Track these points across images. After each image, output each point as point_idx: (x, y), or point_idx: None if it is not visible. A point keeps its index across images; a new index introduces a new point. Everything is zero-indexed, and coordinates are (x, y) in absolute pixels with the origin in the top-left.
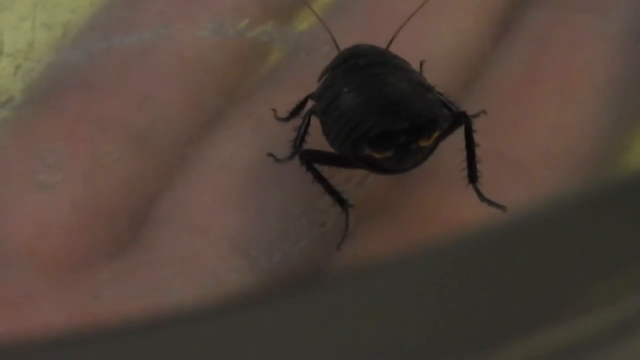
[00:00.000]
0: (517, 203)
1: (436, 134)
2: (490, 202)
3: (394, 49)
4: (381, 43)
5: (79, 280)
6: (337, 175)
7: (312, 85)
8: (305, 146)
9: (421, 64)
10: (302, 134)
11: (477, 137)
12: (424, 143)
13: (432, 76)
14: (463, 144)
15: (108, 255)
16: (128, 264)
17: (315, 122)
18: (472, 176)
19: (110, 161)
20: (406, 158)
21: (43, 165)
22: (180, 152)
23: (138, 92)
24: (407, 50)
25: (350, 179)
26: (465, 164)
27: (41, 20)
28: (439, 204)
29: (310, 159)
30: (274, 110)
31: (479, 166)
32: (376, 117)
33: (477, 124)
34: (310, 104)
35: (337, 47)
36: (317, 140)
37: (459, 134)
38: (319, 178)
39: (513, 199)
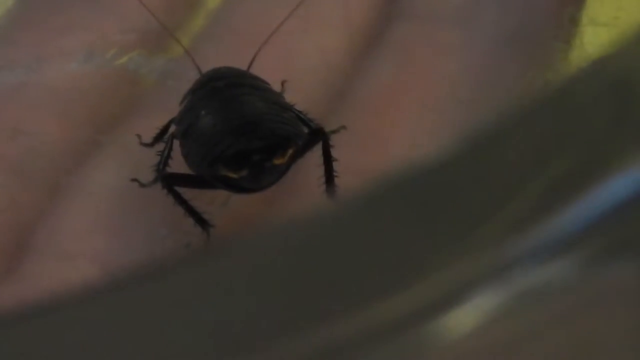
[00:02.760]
0: None
1: (290, 152)
2: None
3: (259, 71)
4: (246, 65)
5: None
6: (201, 197)
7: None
8: (170, 169)
9: (282, 84)
10: (164, 158)
11: (339, 152)
12: (278, 161)
13: (297, 95)
14: (323, 158)
15: None
16: (1, 295)
17: (178, 145)
18: (330, 191)
19: None
20: (262, 176)
21: None
22: (53, 182)
23: (10, 126)
24: (272, 70)
25: (214, 200)
26: (324, 179)
27: None
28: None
29: (171, 182)
30: (139, 135)
31: (339, 180)
32: (230, 137)
33: (339, 139)
34: (173, 128)
35: (200, 73)
36: (182, 164)
37: (320, 149)
38: (180, 200)
39: None
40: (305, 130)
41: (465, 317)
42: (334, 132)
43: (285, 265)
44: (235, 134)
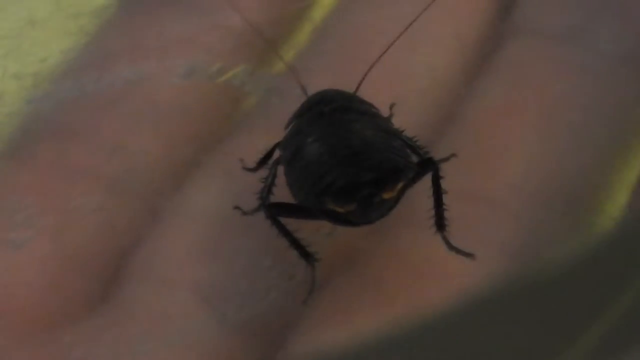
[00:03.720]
0: (491, 242)
1: (400, 185)
2: (457, 250)
3: (367, 90)
4: (354, 84)
5: (49, 341)
6: (306, 225)
7: (283, 131)
8: (273, 198)
9: (391, 107)
10: (268, 186)
11: (452, 178)
12: (387, 195)
13: (405, 117)
14: (432, 189)
15: (78, 314)
16: (97, 324)
17: (282, 171)
18: (440, 224)
19: (81, 215)
20: (370, 211)
21: (13, 223)
22: (151, 203)
23: (109, 141)
24: (379, 90)
25: (319, 229)
26: (433, 212)
27: (11, 70)
28: (410, 252)
29: (275, 213)
30: (242, 160)
31: (452, 209)
32: (338, 169)
33: (451, 164)
34: (278, 153)
35: (305, 92)
36: (286, 189)
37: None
38: (284, 232)
39: (487, 237)
40: (415, 158)
41: None
42: (444, 160)
43: None
44: (344, 166)
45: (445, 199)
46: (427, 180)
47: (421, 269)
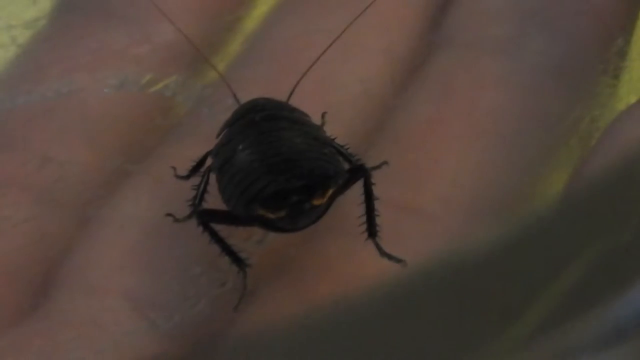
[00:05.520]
0: (419, 253)
1: (330, 192)
2: (390, 257)
3: (298, 99)
4: (285, 94)
5: None
6: (237, 233)
7: (214, 141)
8: (205, 205)
9: (323, 115)
10: (200, 193)
11: (382, 188)
12: (317, 201)
13: (336, 127)
14: (363, 196)
15: (8, 322)
16: (27, 332)
17: (214, 179)
18: (371, 231)
19: (10, 225)
20: (300, 217)
21: None
22: (82, 213)
23: (39, 152)
24: (310, 100)
25: (250, 237)
26: (364, 218)
27: None
28: (341, 259)
29: (207, 219)
30: (174, 168)
31: (382, 218)
32: (268, 176)
33: (381, 174)
34: (209, 161)
35: (237, 101)
36: (218, 197)
37: (361, 185)
38: (216, 238)
39: (416, 248)
40: (346, 166)
41: None
42: (375, 168)
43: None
44: (274, 173)
45: (376, 205)
46: (358, 189)
47: (351, 276)
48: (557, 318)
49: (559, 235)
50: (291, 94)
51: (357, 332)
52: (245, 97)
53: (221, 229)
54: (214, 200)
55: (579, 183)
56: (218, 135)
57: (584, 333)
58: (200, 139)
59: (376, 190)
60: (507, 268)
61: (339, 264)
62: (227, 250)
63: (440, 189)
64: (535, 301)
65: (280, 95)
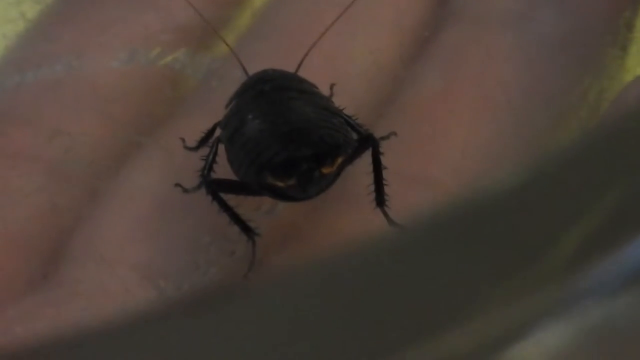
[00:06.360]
0: None
1: (339, 160)
2: (397, 225)
3: (307, 72)
4: (293, 67)
5: None
6: (246, 203)
7: (223, 113)
8: (214, 175)
9: (331, 87)
10: (209, 163)
11: (391, 158)
12: (327, 170)
13: (346, 98)
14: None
15: (20, 291)
16: (38, 301)
17: (223, 150)
18: (380, 199)
19: (21, 197)
20: (310, 185)
21: None
22: (93, 185)
23: (49, 125)
24: (320, 72)
25: (260, 207)
26: (373, 187)
27: None
28: (351, 228)
29: (216, 189)
30: (183, 139)
31: (391, 188)
32: (278, 145)
33: (390, 145)
34: (218, 131)
35: (246, 73)
36: (227, 168)
37: (369, 155)
38: (225, 207)
39: None
40: (355, 136)
41: (528, 354)
42: (384, 138)
43: (337, 297)
44: (283, 142)
45: (385, 175)
46: (366, 160)
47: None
48: (577, 260)
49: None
50: (300, 65)
51: (364, 282)
52: (254, 70)
53: (230, 198)
54: (221, 171)
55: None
56: (227, 106)
57: (602, 276)
58: (210, 111)
59: (385, 162)
60: (521, 212)
61: (348, 232)
62: (236, 219)
63: (449, 159)
64: (550, 245)
65: (289, 68)
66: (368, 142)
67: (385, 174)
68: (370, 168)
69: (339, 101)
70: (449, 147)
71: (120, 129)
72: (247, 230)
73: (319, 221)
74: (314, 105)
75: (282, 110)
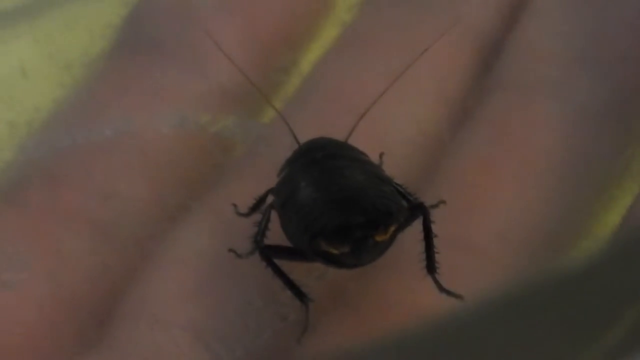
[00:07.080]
0: (476, 289)
1: (393, 228)
2: (448, 292)
3: (354, 140)
4: (341, 134)
5: None
6: (298, 268)
7: (274, 178)
8: (266, 241)
9: (381, 156)
10: (262, 230)
11: (437, 225)
12: (380, 237)
13: (392, 167)
14: (422, 234)
15: (73, 353)
16: None
17: (275, 216)
18: (431, 267)
19: (75, 258)
20: (363, 253)
21: (7, 264)
22: (144, 246)
23: (101, 188)
24: (367, 140)
25: (311, 272)
26: (423, 255)
27: (5, 118)
28: (400, 295)
29: (270, 254)
30: (235, 205)
31: (438, 255)
32: (332, 212)
33: (437, 212)
34: (270, 198)
35: (297, 141)
36: (278, 234)
37: (419, 223)
38: (279, 273)
39: (472, 285)
40: (405, 204)
41: None
42: (433, 207)
43: None
44: (336, 209)
45: (435, 243)
46: (415, 228)
47: (409, 310)
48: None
49: (610, 279)
50: (350, 133)
51: None
52: (301, 136)
53: (283, 263)
54: (272, 237)
55: (632, 222)
56: (279, 173)
57: None
58: (260, 176)
59: (433, 227)
60: (558, 309)
61: (398, 299)
62: (290, 284)
63: (495, 225)
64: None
65: (335, 134)
66: (419, 210)
67: (435, 241)
68: (419, 235)
69: (386, 169)
70: (494, 213)
71: (171, 193)
72: (300, 295)
73: (369, 286)
74: (366, 173)
75: (335, 178)
